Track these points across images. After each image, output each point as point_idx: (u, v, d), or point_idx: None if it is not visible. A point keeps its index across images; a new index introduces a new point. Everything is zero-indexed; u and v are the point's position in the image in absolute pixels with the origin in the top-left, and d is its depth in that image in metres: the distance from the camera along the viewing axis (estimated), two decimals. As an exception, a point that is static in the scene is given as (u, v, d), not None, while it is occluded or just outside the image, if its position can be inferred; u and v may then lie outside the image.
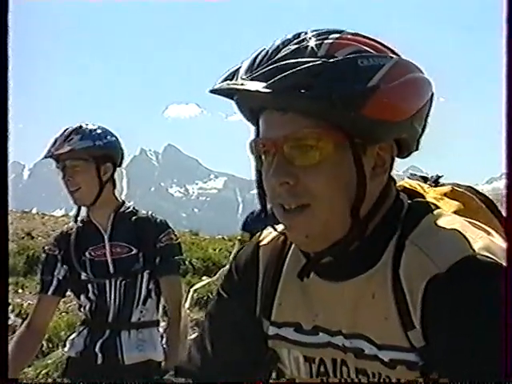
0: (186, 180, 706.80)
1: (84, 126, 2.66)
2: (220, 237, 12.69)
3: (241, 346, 1.18)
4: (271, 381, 1.87)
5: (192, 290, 6.42)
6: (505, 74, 0.87)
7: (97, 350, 2.62)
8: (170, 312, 2.68)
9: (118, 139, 2.73)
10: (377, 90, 0.92)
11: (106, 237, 2.69)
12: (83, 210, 2.73)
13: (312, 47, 0.94)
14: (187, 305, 2.72)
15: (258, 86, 0.92)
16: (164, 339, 2.68)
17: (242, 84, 0.94)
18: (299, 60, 0.92)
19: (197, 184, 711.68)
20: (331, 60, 0.93)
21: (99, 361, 2.62)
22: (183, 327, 2.69)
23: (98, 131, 2.67)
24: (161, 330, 2.72)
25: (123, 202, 2.77)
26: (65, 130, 2.63)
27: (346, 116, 0.93)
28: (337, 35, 0.96)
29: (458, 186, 1.17)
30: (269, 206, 1.05)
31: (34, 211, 13.77)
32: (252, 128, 1.05)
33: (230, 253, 9.12)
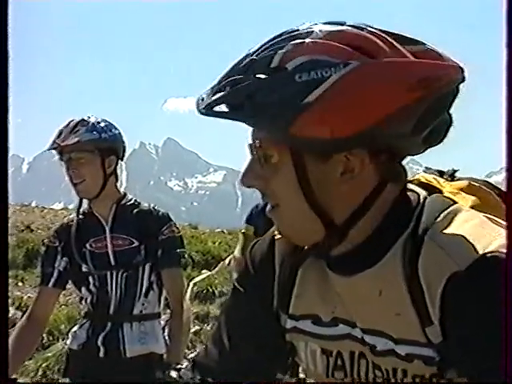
0: (185, 173, 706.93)
1: (88, 118, 2.65)
2: (219, 230, 12.68)
3: (258, 340, 1.17)
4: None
5: (192, 283, 6.40)
6: (505, 71, 0.84)
7: (99, 342, 2.61)
8: (172, 304, 2.67)
9: (120, 132, 2.73)
10: (311, 106, 0.90)
11: (107, 229, 2.68)
12: (85, 202, 2.73)
13: (266, 58, 0.94)
14: (187, 298, 2.72)
15: (204, 103, 0.96)
16: (166, 331, 2.67)
17: (202, 99, 0.98)
18: (235, 78, 0.95)
19: (196, 177, 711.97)
20: (264, 77, 0.93)
21: (101, 353, 2.61)
22: (185, 319, 2.68)
23: (103, 124, 2.66)
24: (162, 322, 2.71)
25: (125, 195, 2.76)
26: (69, 122, 2.62)
27: (275, 134, 0.95)
28: (295, 42, 0.94)
29: (475, 180, 1.16)
30: None
31: (34, 204, 13.76)
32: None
33: (230, 246, 9.14)
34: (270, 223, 1.19)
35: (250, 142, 1.01)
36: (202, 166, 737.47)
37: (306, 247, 1.11)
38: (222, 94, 0.95)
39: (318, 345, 1.10)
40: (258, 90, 0.93)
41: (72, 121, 2.63)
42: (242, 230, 3.95)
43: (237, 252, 3.99)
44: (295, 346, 1.14)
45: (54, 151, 2.62)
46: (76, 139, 2.57)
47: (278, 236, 1.17)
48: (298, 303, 1.12)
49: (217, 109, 0.96)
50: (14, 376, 2.42)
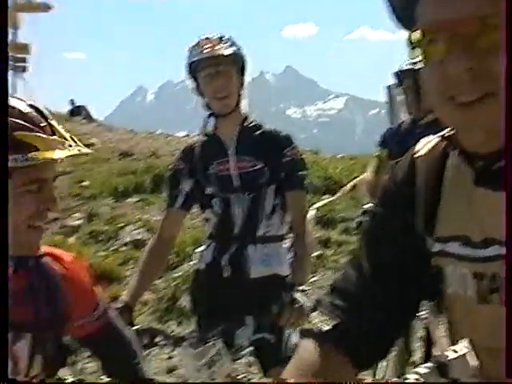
0: (304, 101, 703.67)
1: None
2: (341, 156, 12.52)
3: (400, 262, 1.10)
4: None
5: (313, 208, 6.38)
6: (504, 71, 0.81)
7: (224, 262, 2.64)
8: (296, 226, 2.65)
9: None
10: None
11: (231, 151, 2.66)
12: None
13: None
14: (310, 221, 2.68)
15: None
16: (290, 254, 2.66)
17: None
18: None
19: (315, 105, 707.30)
20: None
21: (226, 273, 2.64)
22: (309, 242, 2.65)
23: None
24: (286, 244, 2.69)
25: (247, 116, 2.72)
26: (207, 37, 2.58)
27: None
28: None
29: None
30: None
31: (158, 132, 14.16)
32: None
33: (351, 172, 8.99)
34: (405, 145, 1.11)
35: (457, 18, 0.86)
36: (321, 93, 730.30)
37: (450, 164, 1.02)
38: None
39: (468, 268, 1.01)
40: None
41: (208, 36, 2.59)
42: (376, 153, 3.85)
43: (368, 175, 3.89)
44: (442, 271, 1.06)
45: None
46: (230, 51, 2.56)
47: (419, 154, 1.09)
48: (444, 224, 1.03)
49: None
50: (145, 296, 2.51)
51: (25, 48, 10.23)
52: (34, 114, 1.38)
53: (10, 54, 10.03)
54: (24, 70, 10.21)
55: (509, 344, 0.79)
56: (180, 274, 5.79)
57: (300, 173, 2.66)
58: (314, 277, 5.76)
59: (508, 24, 0.81)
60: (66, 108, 18.07)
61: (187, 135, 12.07)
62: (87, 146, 1.48)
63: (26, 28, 10.50)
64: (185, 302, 5.18)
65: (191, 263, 2.86)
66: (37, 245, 1.45)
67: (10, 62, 10.04)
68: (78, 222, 7.41)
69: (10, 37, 10.08)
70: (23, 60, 10.19)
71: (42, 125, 1.36)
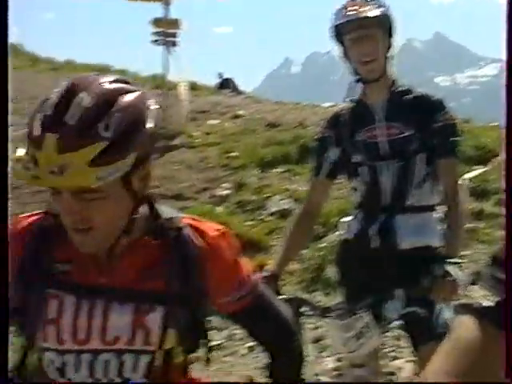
0: (453, 68, 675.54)
1: None
2: (495, 125, 11.87)
3: None
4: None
5: (466, 178, 6.09)
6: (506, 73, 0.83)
7: (372, 233, 2.57)
8: (448, 196, 2.51)
9: None
10: None
11: (378, 117, 2.56)
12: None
13: None
14: (463, 191, 2.54)
15: None
16: (442, 225, 2.53)
17: None
18: None
19: (466, 72, 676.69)
20: None
21: (374, 244, 2.57)
22: (462, 212, 2.51)
23: None
24: (438, 215, 2.57)
25: (395, 81, 2.60)
26: None
27: None
28: None
29: None
30: None
31: (305, 103, 14.12)
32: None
33: (507, 141, 8.47)
34: None
35: None
36: (472, 59, 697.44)
37: None
38: None
39: None
40: None
41: None
42: None
43: None
44: None
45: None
46: (376, 12, 2.46)
47: None
48: None
49: None
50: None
51: (176, 23, 10.52)
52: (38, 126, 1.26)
53: (162, 29, 10.37)
54: (174, 44, 10.51)
55: (509, 343, 0.77)
56: (326, 244, 5.77)
57: (453, 139, 2.52)
58: (466, 251, 5.52)
59: (509, 24, 0.83)
60: (214, 81, 18.53)
61: (333, 105, 11.93)
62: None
63: (178, 4, 10.78)
64: (331, 272, 5.16)
65: (337, 233, 2.81)
66: (90, 246, 1.37)
67: (162, 37, 10.38)
68: (226, 192, 7.59)
69: (162, 13, 10.42)
70: (174, 35, 10.49)
71: (35, 135, 1.25)
